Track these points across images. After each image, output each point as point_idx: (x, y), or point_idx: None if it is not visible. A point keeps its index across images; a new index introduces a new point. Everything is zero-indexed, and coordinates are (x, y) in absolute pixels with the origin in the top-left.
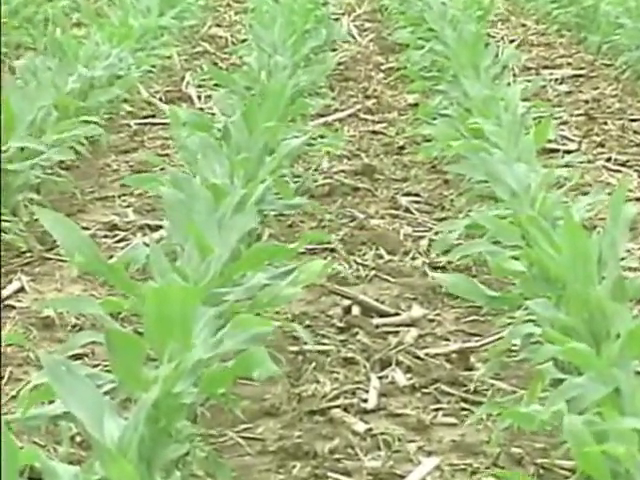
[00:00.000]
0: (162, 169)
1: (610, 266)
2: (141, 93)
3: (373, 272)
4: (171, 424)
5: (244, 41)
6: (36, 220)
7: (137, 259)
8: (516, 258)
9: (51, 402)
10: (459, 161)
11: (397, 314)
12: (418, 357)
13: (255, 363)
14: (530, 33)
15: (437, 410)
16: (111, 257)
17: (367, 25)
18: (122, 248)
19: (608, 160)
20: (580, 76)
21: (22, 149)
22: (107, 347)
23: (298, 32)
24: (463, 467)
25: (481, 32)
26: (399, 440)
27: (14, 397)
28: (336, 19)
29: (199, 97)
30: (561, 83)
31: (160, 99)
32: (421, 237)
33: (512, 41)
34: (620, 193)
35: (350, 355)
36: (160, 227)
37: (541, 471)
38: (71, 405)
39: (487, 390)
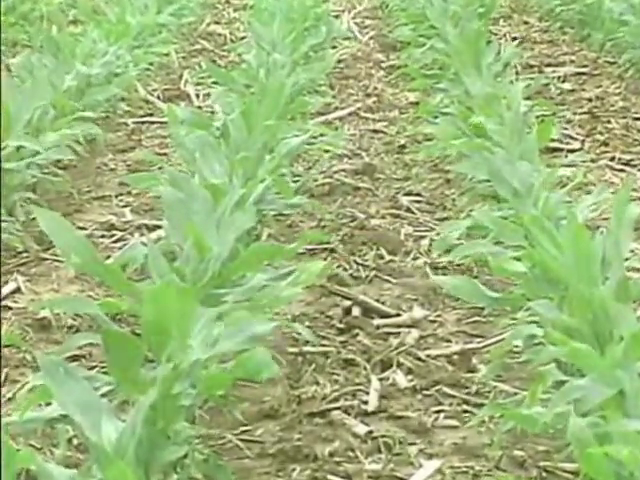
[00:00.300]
0: (160, 168)
1: (614, 266)
2: (139, 91)
3: (374, 272)
4: (169, 426)
5: (243, 38)
6: (32, 220)
7: (135, 259)
8: (518, 259)
9: (48, 404)
10: (461, 160)
11: (398, 315)
12: (419, 358)
13: (257, 365)
14: (533, 30)
15: (438, 412)
16: (108, 257)
17: (367, 22)
18: (120, 248)
19: (612, 159)
20: (583, 74)
21: (18, 148)
22: (104, 348)
23: (297, 29)
24: (465, 470)
25: (483, 29)
26: (400, 443)
27: (10, 399)
28: (336, 16)
29: (197, 95)
30: (564, 81)
31: (158, 97)
32: (422, 237)
33: (514, 38)
34: (624, 193)
35: (350, 356)
36: (158, 227)
37: (544, 474)
38: (68, 407)
39: (489, 392)
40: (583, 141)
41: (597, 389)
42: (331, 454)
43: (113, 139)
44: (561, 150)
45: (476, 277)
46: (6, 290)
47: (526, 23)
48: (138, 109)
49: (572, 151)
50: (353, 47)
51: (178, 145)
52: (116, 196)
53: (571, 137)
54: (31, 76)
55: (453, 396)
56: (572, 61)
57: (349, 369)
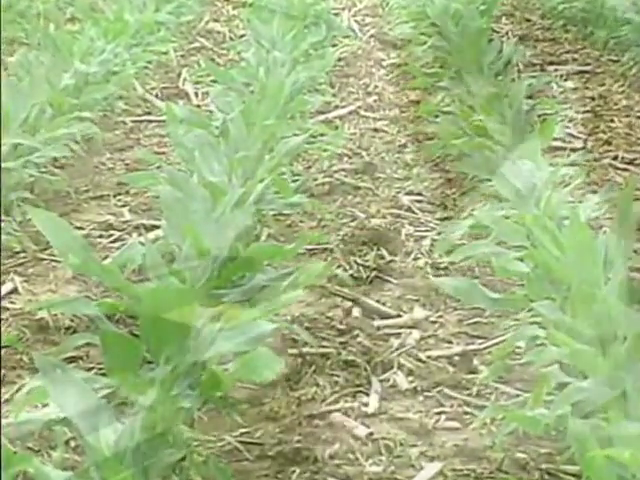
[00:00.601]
0: (159, 167)
1: (617, 267)
2: (137, 90)
3: (374, 273)
4: (168, 428)
5: (242, 36)
6: (30, 220)
7: (133, 259)
8: (520, 259)
9: (45, 406)
10: (462, 159)
11: (399, 316)
12: (420, 360)
13: (262, 366)
14: (535, 28)
15: (440, 414)
16: (106, 258)
17: (368, 20)
18: (118, 248)
19: (615, 158)
20: (586, 72)
21: (16, 147)
22: (102, 349)
23: (297, 27)
24: (466, 472)
25: (484, 27)
26: (401, 445)
27: (7, 400)
28: (336, 14)
29: (196, 94)
30: (566, 79)
31: (156, 96)
32: (423, 237)
33: (516, 36)
34: (627, 192)
35: (351, 358)
36: (156, 227)
37: (546, 476)
38: (66, 409)
39: (491, 394)
40: (586, 140)
41: (599, 391)
42: (331, 456)
43: (111, 138)
44: (563, 149)
45: (477, 277)
46: (3, 291)
47: (528, 21)
48: (136, 108)
49: (575, 150)
50: (353, 45)
51: (177, 144)
52: (114, 195)
53: (574, 136)
54: (28, 74)
55: (454, 398)
56: (575, 59)
57: (349, 370)
